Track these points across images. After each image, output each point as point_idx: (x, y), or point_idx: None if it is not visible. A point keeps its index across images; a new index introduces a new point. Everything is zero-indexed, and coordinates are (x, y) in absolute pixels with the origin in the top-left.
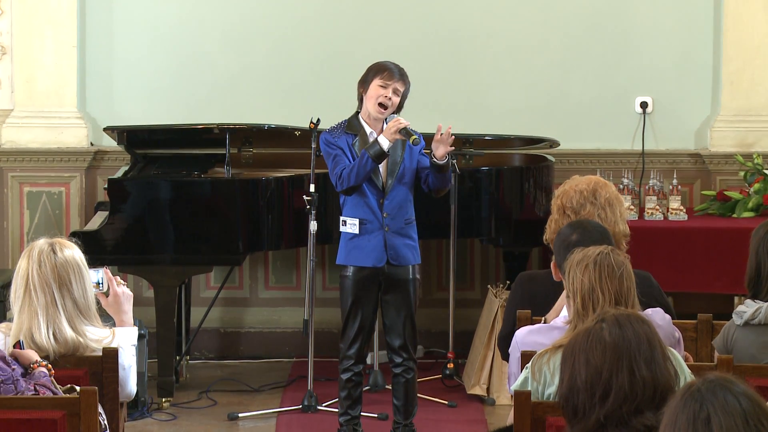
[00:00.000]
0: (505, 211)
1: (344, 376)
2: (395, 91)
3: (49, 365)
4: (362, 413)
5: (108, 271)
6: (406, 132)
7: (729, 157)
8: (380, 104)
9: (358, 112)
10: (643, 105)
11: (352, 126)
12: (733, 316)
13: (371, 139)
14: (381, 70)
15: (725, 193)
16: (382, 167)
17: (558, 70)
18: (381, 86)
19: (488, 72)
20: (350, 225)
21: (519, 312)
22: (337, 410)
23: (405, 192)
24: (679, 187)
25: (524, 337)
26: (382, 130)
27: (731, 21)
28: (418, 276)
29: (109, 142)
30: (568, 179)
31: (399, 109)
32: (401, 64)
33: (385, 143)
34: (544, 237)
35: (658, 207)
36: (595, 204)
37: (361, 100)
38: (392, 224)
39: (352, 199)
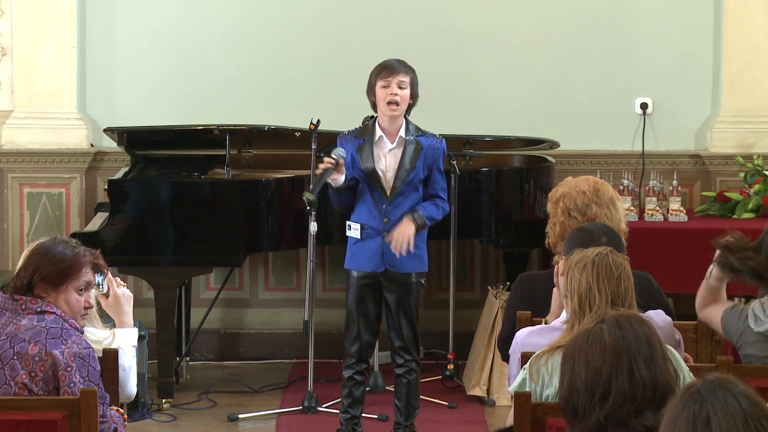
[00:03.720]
0: (505, 212)
1: (346, 374)
2: (400, 84)
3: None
4: (363, 414)
5: (108, 272)
6: (323, 173)
7: (729, 158)
8: (389, 103)
9: (376, 117)
10: (643, 106)
11: (365, 130)
12: (749, 316)
13: (381, 145)
14: (380, 71)
15: (725, 194)
16: (390, 173)
17: (558, 70)
18: (384, 86)
19: (488, 73)
20: (354, 230)
21: (519, 313)
22: (337, 411)
23: (413, 199)
24: (679, 188)
25: (525, 338)
26: (397, 132)
27: (731, 22)
28: (422, 281)
29: (109, 143)
30: (560, 182)
31: (414, 98)
32: None
33: (330, 180)
34: (547, 241)
35: (658, 208)
36: (600, 204)
37: (375, 107)
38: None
39: (358, 203)
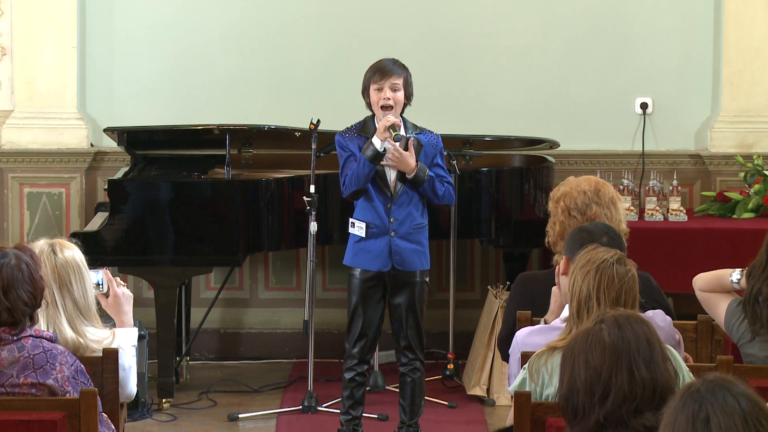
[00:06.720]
0: (505, 212)
1: (347, 375)
2: (393, 87)
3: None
4: (363, 414)
5: (108, 271)
6: (393, 128)
7: (729, 158)
8: (383, 107)
9: (374, 115)
10: (643, 106)
11: (365, 128)
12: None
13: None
14: (372, 74)
15: (725, 194)
16: (392, 172)
17: (558, 70)
18: (377, 90)
19: (488, 73)
20: (358, 228)
21: (519, 313)
22: (337, 411)
23: (415, 198)
24: (679, 188)
25: (525, 338)
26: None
27: (731, 22)
28: (426, 279)
29: (109, 143)
30: (562, 182)
31: (409, 97)
32: None
33: (377, 143)
34: (546, 240)
35: (658, 208)
36: (600, 204)
37: (371, 107)
38: (399, 229)
39: (362, 202)
